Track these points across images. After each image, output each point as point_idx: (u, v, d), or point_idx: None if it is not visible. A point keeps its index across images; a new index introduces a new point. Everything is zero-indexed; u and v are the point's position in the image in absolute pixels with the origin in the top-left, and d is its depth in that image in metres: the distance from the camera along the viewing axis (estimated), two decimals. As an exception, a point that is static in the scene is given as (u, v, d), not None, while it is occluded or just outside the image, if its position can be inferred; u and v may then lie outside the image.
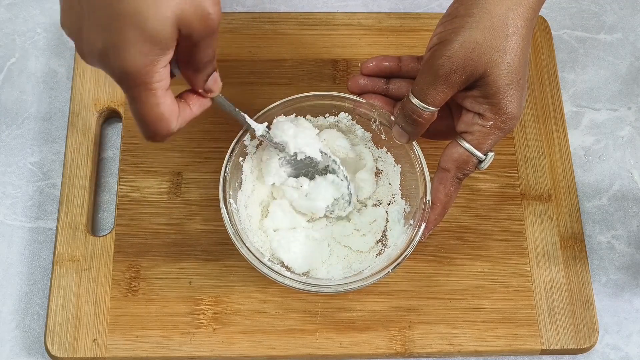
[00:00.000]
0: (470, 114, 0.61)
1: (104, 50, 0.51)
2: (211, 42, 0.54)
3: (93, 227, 0.72)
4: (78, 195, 0.72)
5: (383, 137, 0.69)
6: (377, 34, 0.80)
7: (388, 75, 0.68)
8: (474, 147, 0.61)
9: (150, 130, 0.56)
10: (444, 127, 0.64)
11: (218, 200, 0.64)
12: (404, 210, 0.68)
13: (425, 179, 0.65)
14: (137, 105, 0.54)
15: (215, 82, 0.58)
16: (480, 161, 0.62)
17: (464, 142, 0.61)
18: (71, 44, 0.80)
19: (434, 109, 0.60)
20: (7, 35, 0.81)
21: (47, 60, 0.80)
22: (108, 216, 0.73)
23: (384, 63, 0.67)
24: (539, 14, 0.61)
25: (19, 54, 0.80)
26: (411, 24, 0.80)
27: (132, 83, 0.52)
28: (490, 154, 0.62)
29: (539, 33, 0.80)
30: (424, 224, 0.64)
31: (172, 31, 0.51)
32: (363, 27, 0.80)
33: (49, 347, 0.66)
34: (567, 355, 0.69)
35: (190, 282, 0.69)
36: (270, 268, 0.63)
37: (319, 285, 0.64)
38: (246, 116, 0.64)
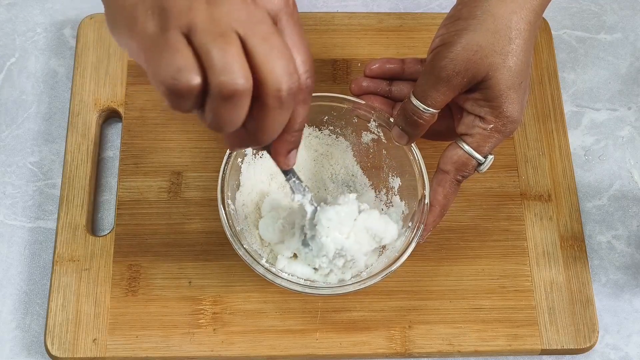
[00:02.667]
0: (470, 117, 0.61)
1: None
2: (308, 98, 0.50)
3: (93, 227, 0.72)
4: (78, 195, 0.72)
5: (382, 139, 0.69)
6: (377, 34, 0.80)
7: (391, 77, 0.68)
8: (473, 149, 0.61)
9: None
10: (444, 128, 0.64)
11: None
12: (403, 212, 0.68)
13: (424, 181, 0.65)
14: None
15: (294, 158, 0.54)
16: (479, 164, 0.62)
17: (464, 145, 0.61)
18: (72, 43, 0.80)
19: (435, 110, 0.60)
20: (7, 35, 0.81)
21: (47, 60, 0.80)
22: (108, 216, 0.73)
23: (387, 65, 0.67)
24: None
25: (19, 54, 0.80)
26: (411, 24, 0.80)
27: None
28: (490, 157, 0.62)
29: (539, 33, 0.80)
30: (423, 225, 0.64)
31: None
32: (363, 27, 0.80)
33: (49, 347, 0.66)
34: (567, 355, 0.69)
35: (190, 282, 0.69)
36: (267, 269, 0.63)
37: (317, 287, 0.64)
38: (306, 189, 0.62)
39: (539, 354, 0.69)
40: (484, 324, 0.68)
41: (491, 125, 0.60)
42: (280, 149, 0.53)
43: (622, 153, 0.78)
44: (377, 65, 0.67)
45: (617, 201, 0.76)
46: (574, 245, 0.72)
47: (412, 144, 0.65)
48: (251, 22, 0.45)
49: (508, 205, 0.73)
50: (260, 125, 0.47)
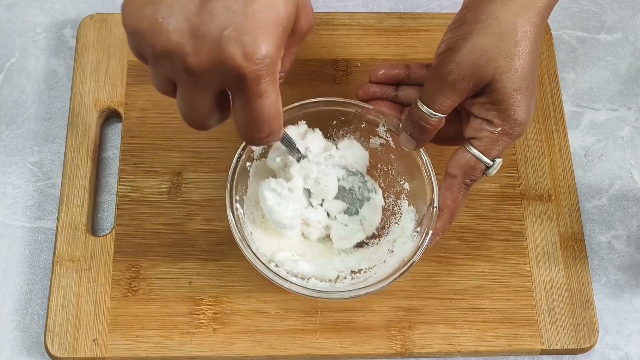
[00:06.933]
0: (478, 120, 0.61)
1: (233, 35, 0.45)
2: (301, 48, 0.52)
3: (93, 227, 0.72)
4: (78, 195, 0.72)
5: (391, 143, 0.69)
6: (377, 34, 0.80)
7: (397, 83, 0.68)
8: (481, 153, 0.61)
9: (267, 129, 0.50)
10: (453, 133, 0.64)
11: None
12: (411, 217, 0.68)
13: (432, 186, 0.65)
14: (262, 101, 0.48)
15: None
16: (487, 167, 0.62)
17: (472, 148, 0.61)
18: (72, 43, 0.80)
19: (442, 115, 0.60)
20: (7, 35, 0.81)
21: (47, 60, 0.80)
22: (108, 216, 0.73)
23: (393, 71, 0.67)
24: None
25: (19, 54, 0.80)
26: (411, 24, 0.80)
27: (264, 72, 0.46)
28: (498, 160, 0.62)
29: (539, 33, 0.80)
30: (431, 230, 0.63)
31: (294, 15, 0.48)
32: (363, 27, 0.80)
33: (49, 347, 0.66)
34: (567, 355, 0.69)
35: (190, 282, 0.69)
36: (276, 274, 0.63)
37: (326, 292, 0.63)
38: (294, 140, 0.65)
39: (539, 354, 0.69)
40: (484, 324, 0.68)
41: (499, 129, 0.60)
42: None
43: (622, 153, 0.78)
44: (382, 72, 0.67)
45: (617, 201, 0.76)
46: (574, 245, 0.72)
47: (421, 149, 0.65)
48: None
49: (508, 205, 0.73)
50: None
